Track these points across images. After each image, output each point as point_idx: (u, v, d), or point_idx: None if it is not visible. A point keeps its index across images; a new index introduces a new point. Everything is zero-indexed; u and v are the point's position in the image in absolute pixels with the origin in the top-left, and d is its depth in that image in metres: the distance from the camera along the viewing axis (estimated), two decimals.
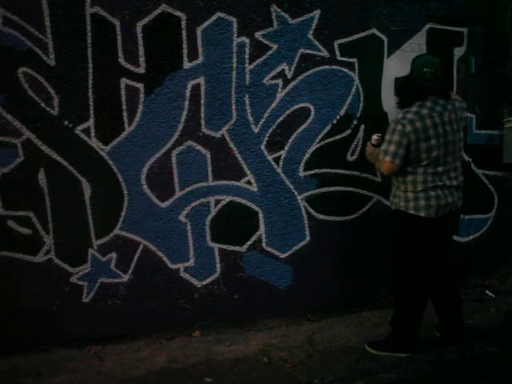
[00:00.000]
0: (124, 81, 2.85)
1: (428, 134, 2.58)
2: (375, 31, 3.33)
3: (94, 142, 2.86)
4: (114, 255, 2.98)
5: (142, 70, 2.87)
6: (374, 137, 2.81)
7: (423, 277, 2.77)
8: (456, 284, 3.00)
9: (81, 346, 2.93)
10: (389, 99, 3.43)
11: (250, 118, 3.13)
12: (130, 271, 3.01)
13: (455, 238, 3.66)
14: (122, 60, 2.83)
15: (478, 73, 3.60)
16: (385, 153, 2.62)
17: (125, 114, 2.88)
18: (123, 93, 2.86)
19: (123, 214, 2.96)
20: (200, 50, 2.95)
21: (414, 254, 2.74)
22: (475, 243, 3.79)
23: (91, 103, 2.82)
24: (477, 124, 3.67)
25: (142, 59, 2.86)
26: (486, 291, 3.82)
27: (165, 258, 3.08)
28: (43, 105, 2.75)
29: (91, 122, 2.84)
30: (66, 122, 2.80)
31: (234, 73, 3.04)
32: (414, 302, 2.79)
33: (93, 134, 2.85)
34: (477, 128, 3.68)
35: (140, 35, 2.83)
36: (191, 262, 3.14)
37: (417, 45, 3.44)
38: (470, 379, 2.56)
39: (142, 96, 2.89)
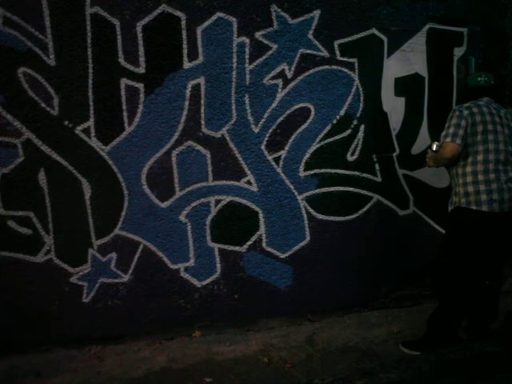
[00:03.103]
0: (124, 81, 2.85)
1: (484, 119, 2.65)
2: (375, 31, 3.33)
3: (94, 142, 2.86)
4: (114, 255, 2.97)
5: (142, 70, 2.87)
6: (436, 143, 2.89)
7: (475, 278, 2.76)
8: (497, 292, 2.94)
9: (81, 346, 2.93)
10: (389, 99, 3.45)
11: (250, 118, 3.13)
12: (130, 271, 3.01)
13: None
14: (122, 60, 2.83)
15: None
16: (445, 136, 2.66)
17: (125, 114, 2.88)
18: (123, 93, 2.86)
19: (123, 213, 2.96)
20: (200, 49, 2.95)
21: (472, 252, 2.70)
22: None
23: (91, 103, 2.81)
24: None
25: (142, 59, 2.86)
26: None
27: (165, 258, 3.08)
28: (43, 105, 2.75)
29: (91, 122, 2.84)
30: (66, 122, 2.80)
31: (234, 73, 3.04)
32: (460, 305, 2.79)
33: (93, 134, 2.85)
34: None
35: (140, 35, 2.83)
36: (191, 262, 3.13)
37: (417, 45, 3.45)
38: (470, 379, 2.56)
39: (142, 96, 2.89)
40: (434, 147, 2.88)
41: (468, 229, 2.70)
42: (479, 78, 2.83)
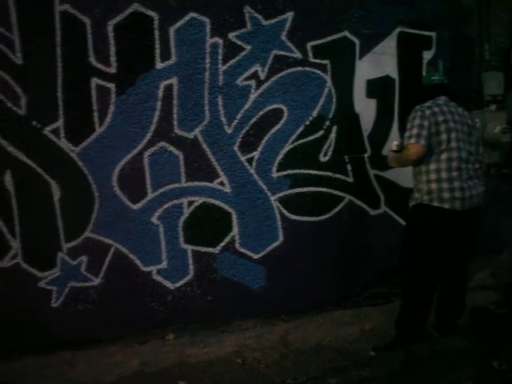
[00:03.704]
0: (95, 80, 2.79)
1: (446, 118, 2.67)
2: (347, 34, 3.37)
3: (64, 143, 2.79)
4: (84, 258, 2.91)
5: (113, 69, 2.82)
6: (395, 143, 2.90)
7: (436, 274, 2.78)
8: (463, 288, 2.97)
9: (51, 352, 2.84)
10: (360, 101, 3.49)
11: (223, 119, 3.12)
12: (102, 274, 2.95)
13: None
14: (92, 59, 2.77)
15: (446, 76, 3.68)
16: (409, 137, 2.64)
17: (95, 114, 2.82)
18: (94, 93, 2.80)
19: (94, 216, 2.90)
20: (173, 50, 2.92)
21: (431, 247, 2.72)
22: None
23: (60, 103, 2.74)
24: None
25: (113, 59, 2.80)
26: None
27: (137, 261, 3.03)
28: (9, 104, 2.66)
29: (60, 123, 2.76)
30: (35, 123, 2.72)
31: (207, 73, 3.03)
32: (422, 299, 2.80)
33: (62, 135, 2.78)
34: None
35: (111, 34, 2.78)
36: (164, 264, 3.10)
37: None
38: (439, 374, 2.62)
39: (113, 96, 2.84)
40: (394, 147, 2.89)
41: (429, 225, 2.73)
42: (433, 77, 2.90)
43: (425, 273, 2.77)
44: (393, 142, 2.94)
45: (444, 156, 2.67)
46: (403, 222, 3.71)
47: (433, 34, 3.65)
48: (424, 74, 3.64)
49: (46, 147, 2.76)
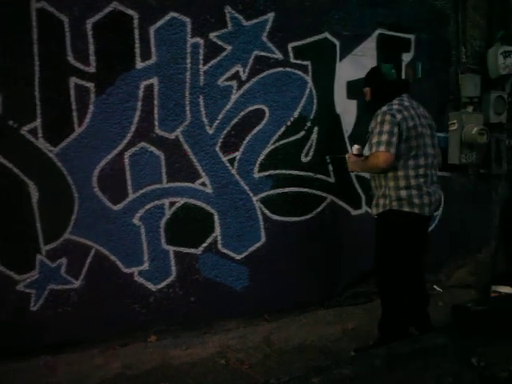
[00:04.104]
0: (73, 80, 2.75)
1: (415, 123, 2.64)
2: (328, 35, 3.40)
3: (42, 143, 2.74)
4: (64, 260, 2.86)
5: (92, 69, 2.78)
6: (356, 146, 2.88)
7: (409, 275, 2.81)
8: (425, 282, 3.05)
9: (30, 357, 2.77)
10: (341, 102, 3.53)
11: (205, 120, 3.11)
12: (82, 277, 2.90)
13: None
14: (71, 58, 2.73)
15: (425, 78, 3.75)
16: (378, 144, 2.55)
17: (74, 114, 2.78)
18: (72, 92, 2.75)
19: (74, 217, 2.85)
20: (153, 49, 2.90)
21: (404, 252, 2.74)
22: None
23: (38, 102, 2.69)
24: None
25: (92, 58, 2.77)
26: (434, 286, 3.99)
27: (118, 262, 2.99)
28: None
29: (38, 123, 2.71)
30: (11, 122, 2.66)
31: (187, 73, 3.02)
32: (401, 300, 2.81)
33: (40, 135, 2.73)
34: None
35: (90, 33, 2.74)
36: (145, 266, 3.07)
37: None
38: (420, 370, 2.65)
39: (92, 96, 2.80)
40: (355, 151, 2.87)
41: (401, 230, 2.72)
42: (393, 70, 2.83)
43: (401, 275, 2.79)
44: (353, 146, 2.91)
45: (412, 162, 2.66)
46: None
47: (411, 37, 3.72)
48: (403, 76, 3.68)
49: (23, 147, 2.71)
